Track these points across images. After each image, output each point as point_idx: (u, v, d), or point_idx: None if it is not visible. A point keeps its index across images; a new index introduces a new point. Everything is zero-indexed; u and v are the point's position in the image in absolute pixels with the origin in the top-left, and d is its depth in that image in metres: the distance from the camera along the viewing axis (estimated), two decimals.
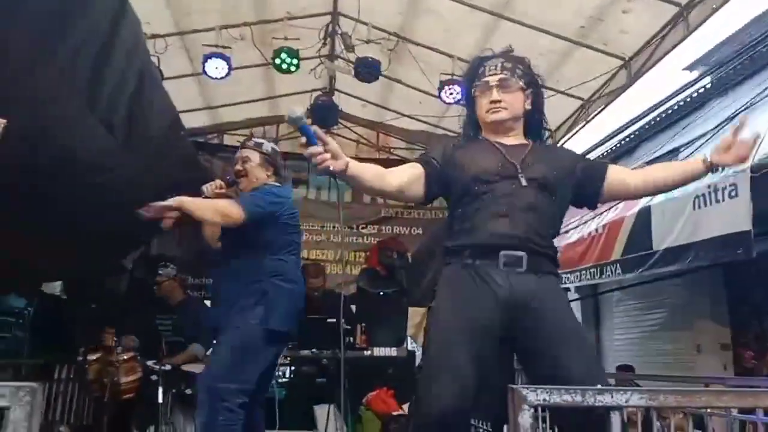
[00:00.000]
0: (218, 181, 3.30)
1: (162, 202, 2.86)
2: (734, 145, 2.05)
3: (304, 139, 1.91)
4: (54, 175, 3.70)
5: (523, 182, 2.10)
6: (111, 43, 3.21)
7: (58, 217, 4.09)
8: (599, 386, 1.02)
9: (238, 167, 3.31)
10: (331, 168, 1.90)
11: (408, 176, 2.19)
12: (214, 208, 3.01)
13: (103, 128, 3.76)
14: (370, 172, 2.11)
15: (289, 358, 4.88)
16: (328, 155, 1.89)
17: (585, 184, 2.23)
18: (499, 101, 2.22)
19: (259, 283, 3.03)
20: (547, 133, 2.40)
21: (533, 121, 2.33)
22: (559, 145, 6.79)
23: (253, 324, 2.94)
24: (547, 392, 1.01)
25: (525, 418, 0.99)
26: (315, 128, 1.92)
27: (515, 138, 2.28)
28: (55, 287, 6.51)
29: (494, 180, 2.12)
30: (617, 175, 2.25)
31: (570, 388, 1.03)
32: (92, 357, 4.66)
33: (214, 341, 3.23)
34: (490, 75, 2.24)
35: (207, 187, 3.26)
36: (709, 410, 3.00)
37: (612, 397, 1.02)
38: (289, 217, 3.21)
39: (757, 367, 6.22)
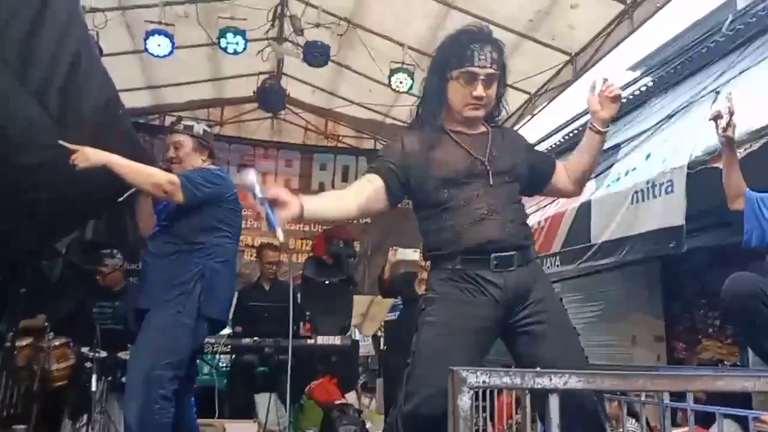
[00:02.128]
0: None
1: (87, 151, 2.76)
2: (594, 102, 2.14)
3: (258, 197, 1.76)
4: None
5: (493, 180, 2.07)
6: (43, 14, 3.04)
7: None
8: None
9: (171, 154, 3.17)
10: (283, 218, 1.77)
11: (367, 194, 2.08)
12: (153, 179, 2.85)
13: (36, 102, 3.59)
14: (328, 208, 2.04)
15: (230, 347, 4.79)
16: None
17: (534, 175, 2.24)
18: (482, 98, 2.10)
19: (197, 266, 2.92)
20: (503, 113, 2.31)
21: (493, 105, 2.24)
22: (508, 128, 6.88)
23: (190, 309, 2.85)
24: (486, 374, 1.00)
25: (464, 400, 0.98)
26: (268, 197, 1.75)
27: (476, 126, 2.20)
28: None
29: (465, 182, 2.06)
30: (562, 168, 2.29)
31: (509, 370, 1.03)
32: (22, 343, 4.45)
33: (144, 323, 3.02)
34: (479, 66, 2.06)
35: None
36: (643, 398, 3.10)
37: (550, 380, 1.02)
38: (231, 200, 3.10)
39: (687, 358, 6.47)
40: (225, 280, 3.03)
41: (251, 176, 1.77)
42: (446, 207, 2.06)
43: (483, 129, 2.20)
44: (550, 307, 2.05)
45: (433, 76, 2.18)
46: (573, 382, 1.02)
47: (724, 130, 2.78)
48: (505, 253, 2.01)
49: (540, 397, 1.11)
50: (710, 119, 2.86)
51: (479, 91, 2.08)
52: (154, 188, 2.86)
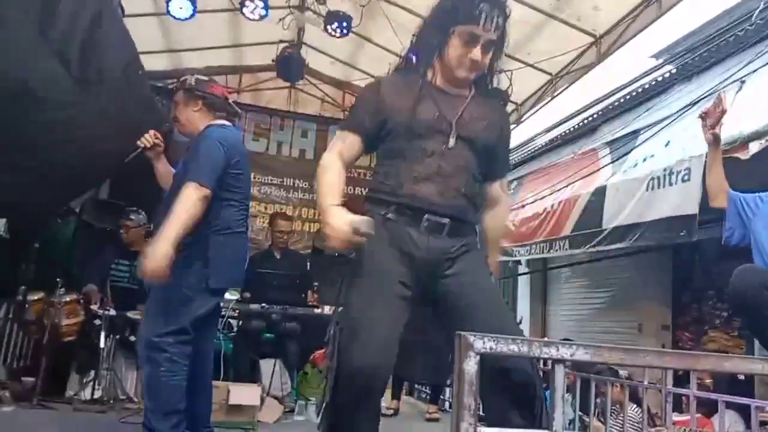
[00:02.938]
0: (152, 131, 3.16)
1: (161, 250, 2.68)
2: None
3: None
4: (4, 105, 3.53)
5: (453, 142, 2.02)
6: None
7: (5, 150, 3.92)
8: (545, 339, 1.02)
9: (172, 114, 3.17)
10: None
11: (347, 156, 2.11)
12: (189, 211, 2.77)
13: (56, 60, 3.59)
14: (338, 187, 2.05)
15: (238, 311, 4.83)
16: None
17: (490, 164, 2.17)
18: (478, 61, 2.04)
19: (198, 240, 2.85)
20: (497, 83, 2.23)
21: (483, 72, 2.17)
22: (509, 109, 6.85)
23: (192, 282, 2.82)
24: (493, 341, 1.00)
25: (470, 365, 0.98)
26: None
27: (461, 87, 2.12)
28: None
29: (426, 134, 2.02)
30: (493, 194, 2.23)
31: (517, 338, 1.03)
32: (33, 297, 4.52)
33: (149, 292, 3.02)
34: (483, 28, 1.99)
35: (141, 141, 3.14)
36: (645, 383, 3.10)
37: (558, 350, 1.02)
38: (234, 162, 2.95)
39: (692, 348, 6.46)
40: (230, 250, 2.96)
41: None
42: (401, 156, 2.04)
43: (465, 92, 2.13)
44: (474, 281, 2.01)
45: (434, 26, 2.11)
46: (580, 353, 1.02)
47: (712, 127, 2.76)
48: (439, 219, 1.99)
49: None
50: (699, 116, 2.85)
51: (477, 54, 2.02)
52: (196, 211, 2.79)
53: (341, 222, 1.87)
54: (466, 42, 2.02)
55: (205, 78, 3.20)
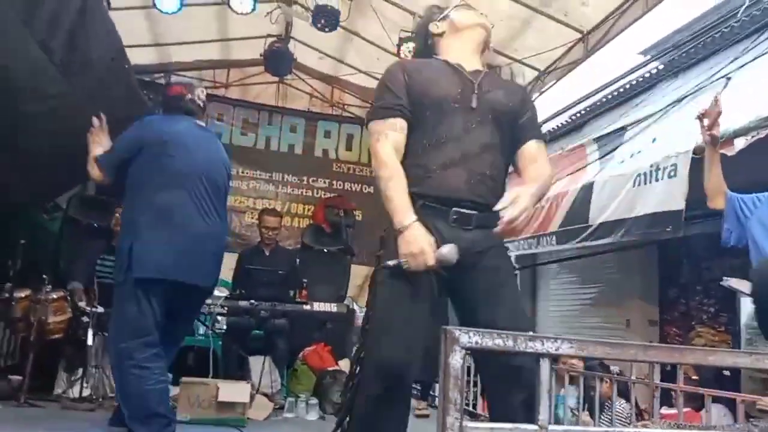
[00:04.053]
0: None
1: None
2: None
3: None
4: None
5: (478, 105, 2.05)
6: None
7: None
8: (530, 333, 1.03)
9: None
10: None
11: (401, 142, 2.05)
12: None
13: (40, 49, 3.55)
14: (407, 195, 1.98)
15: (226, 308, 4.80)
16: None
17: (514, 135, 2.14)
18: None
19: (128, 228, 2.86)
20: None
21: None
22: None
23: (127, 276, 2.77)
24: (479, 335, 1.01)
25: (456, 359, 0.98)
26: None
27: (474, 65, 2.18)
28: None
29: (451, 110, 2.03)
30: (529, 152, 2.14)
31: (502, 332, 1.03)
32: (20, 294, 4.48)
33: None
34: None
35: None
36: (633, 377, 3.14)
37: (543, 344, 1.02)
38: (160, 146, 2.90)
39: (680, 344, 6.52)
40: (163, 237, 2.81)
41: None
42: (424, 136, 2.03)
43: (480, 68, 2.19)
44: (500, 276, 2.03)
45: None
46: (565, 347, 1.02)
47: (710, 128, 2.76)
48: (466, 211, 1.97)
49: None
50: (696, 118, 2.85)
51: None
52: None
53: (426, 245, 1.87)
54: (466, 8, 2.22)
55: (173, 81, 3.36)
